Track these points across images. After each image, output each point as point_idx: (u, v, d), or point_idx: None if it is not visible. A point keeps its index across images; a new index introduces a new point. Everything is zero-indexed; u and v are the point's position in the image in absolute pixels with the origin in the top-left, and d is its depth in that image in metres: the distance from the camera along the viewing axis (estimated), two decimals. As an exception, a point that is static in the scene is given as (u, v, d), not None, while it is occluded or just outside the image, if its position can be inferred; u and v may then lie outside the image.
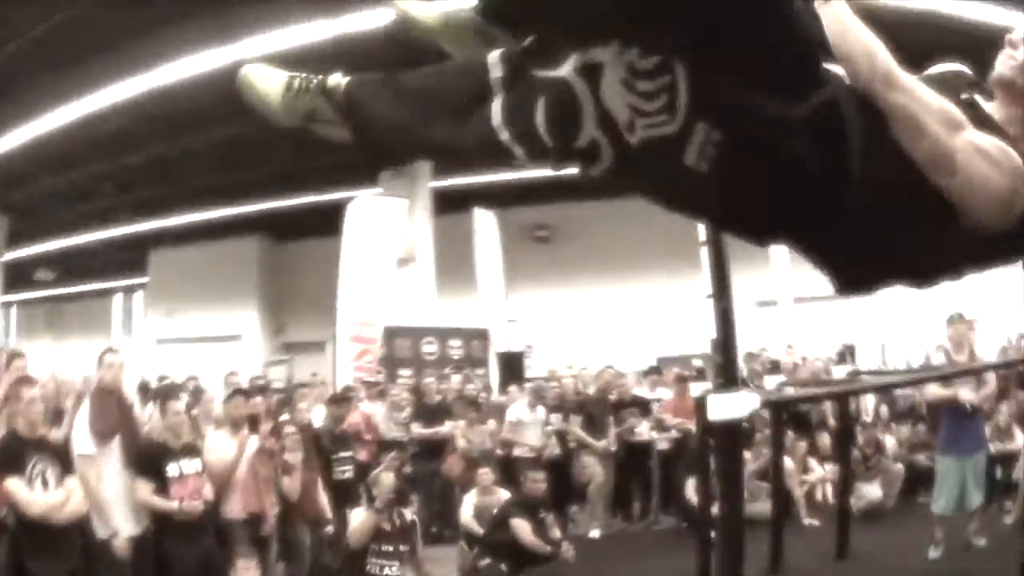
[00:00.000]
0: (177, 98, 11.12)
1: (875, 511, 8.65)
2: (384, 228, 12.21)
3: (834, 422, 9.48)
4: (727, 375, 3.82)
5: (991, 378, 7.18)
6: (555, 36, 1.64)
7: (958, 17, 8.20)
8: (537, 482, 7.37)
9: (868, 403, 10.07)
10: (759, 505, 8.34)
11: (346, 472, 7.52)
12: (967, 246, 1.62)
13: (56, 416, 6.77)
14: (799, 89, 1.45)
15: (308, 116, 1.88)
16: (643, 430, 9.57)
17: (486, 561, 6.96)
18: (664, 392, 10.44)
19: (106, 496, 5.33)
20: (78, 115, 11.76)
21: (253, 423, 6.35)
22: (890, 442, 9.50)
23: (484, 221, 13.39)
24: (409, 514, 6.74)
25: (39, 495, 4.76)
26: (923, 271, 1.75)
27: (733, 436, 3.89)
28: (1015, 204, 1.54)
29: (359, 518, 6.32)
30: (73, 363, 14.03)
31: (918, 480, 9.26)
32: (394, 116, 1.80)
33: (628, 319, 16.28)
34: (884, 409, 10.18)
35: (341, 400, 8.40)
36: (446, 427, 9.31)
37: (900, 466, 9.29)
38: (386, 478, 6.58)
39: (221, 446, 6.10)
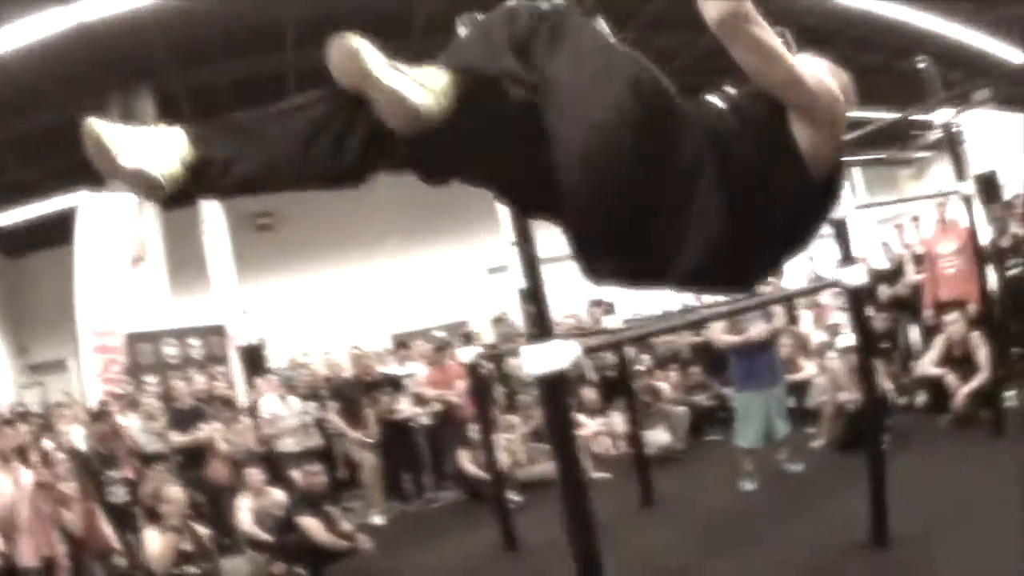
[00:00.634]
0: None
1: (667, 456, 8.72)
2: (115, 228, 11.32)
3: (596, 376, 10.05)
4: (541, 325, 3.79)
5: (778, 311, 7.43)
6: None
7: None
8: (315, 475, 7.17)
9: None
10: (539, 467, 8.66)
11: (119, 493, 7.01)
12: (813, 204, 2.02)
13: None
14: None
15: None
16: (404, 407, 9.40)
17: (281, 567, 6.65)
18: (415, 367, 10.25)
19: None
20: None
21: (22, 455, 5.79)
22: (664, 388, 9.76)
23: (211, 213, 12.76)
24: (203, 529, 6.46)
25: None
26: (798, 241, 2.09)
27: (558, 388, 3.82)
28: (839, 134, 1.96)
29: (155, 541, 5.89)
30: None
31: (702, 420, 9.70)
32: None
33: (361, 299, 16.26)
34: (646, 358, 10.60)
35: (100, 416, 7.77)
36: (204, 431, 8.84)
37: (683, 408, 9.52)
38: (175, 492, 6.24)
39: (-5, 485, 5.43)
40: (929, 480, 6.06)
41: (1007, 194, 10.80)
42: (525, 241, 3.83)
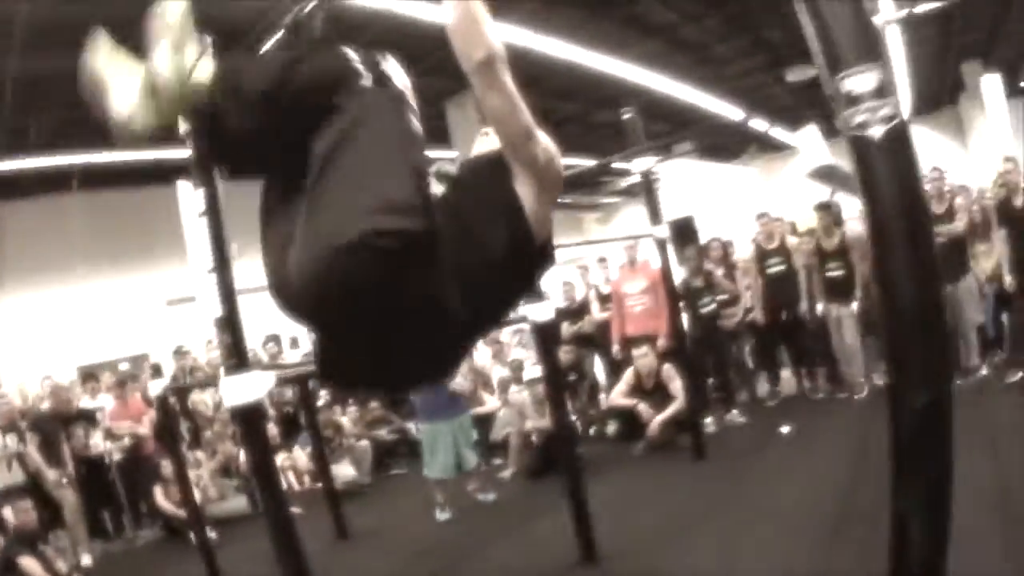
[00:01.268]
0: None
1: (354, 489, 8.76)
2: None
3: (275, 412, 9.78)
4: (238, 356, 3.64)
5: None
6: None
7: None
8: (27, 511, 6.76)
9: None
10: (231, 503, 8.58)
11: None
12: (532, 268, 2.02)
13: None
14: None
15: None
16: (97, 442, 8.75)
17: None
18: (105, 400, 9.61)
19: None
20: None
21: None
22: (345, 422, 9.84)
23: None
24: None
25: None
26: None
27: (256, 419, 3.77)
28: (556, 196, 1.98)
29: None
30: None
31: (385, 454, 9.82)
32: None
33: (49, 327, 14.52)
34: (323, 393, 10.36)
35: None
36: None
37: (365, 443, 9.61)
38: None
39: None
40: (633, 500, 6.41)
41: (705, 237, 11.65)
42: (223, 269, 3.59)
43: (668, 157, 12.90)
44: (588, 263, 11.04)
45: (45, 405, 9.15)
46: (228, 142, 1.84)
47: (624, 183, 18.89)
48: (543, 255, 1.97)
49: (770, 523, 5.07)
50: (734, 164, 20.88)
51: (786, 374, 9.43)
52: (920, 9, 10.26)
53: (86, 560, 7.85)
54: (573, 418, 8.23)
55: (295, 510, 8.09)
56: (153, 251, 13.52)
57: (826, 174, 8.74)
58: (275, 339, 10.55)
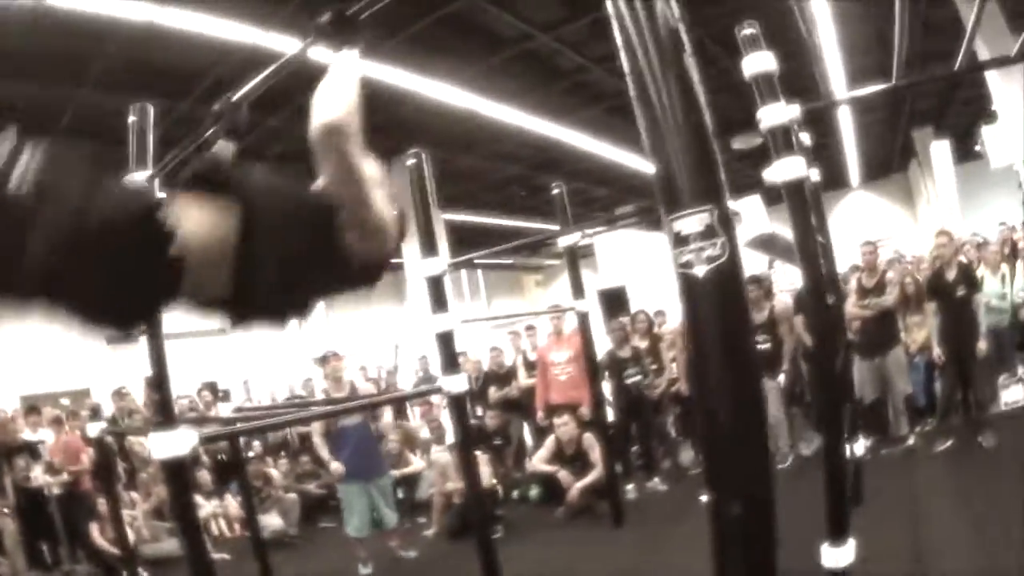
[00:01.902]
0: None
1: (282, 539, 8.85)
2: None
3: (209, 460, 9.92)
4: (166, 413, 3.86)
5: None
6: None
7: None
8: None
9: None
10: (164, 544, 8.62)
11: None
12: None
13: None
14: None
15: None
16: (38, 475, 8.91)
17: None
18: (46, 433, 9.70)
19: None
20: None
21: None
22: (275, 474, 10.01)
23: None
24: None
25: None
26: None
27: (181, 474, 3.96)
28: (392, 247, 2.01)
29: None
30: None
31: (314, 507, 9.97)
32: None
33: None
34: (256, 444, 10.64)
35: None
36: None
37: (293, 495, 9.77)
38: None
39: None
40: (551, 565, 6.59)
41: (640, 305, 11.94)
42: (153, 328, 3.77)
43: (602, 230, 13.14)
44: (519, 329, 11.26)
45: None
46: None
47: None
48: (370, 275, 1.99)
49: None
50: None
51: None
52: (865, 92, 10.66)
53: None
54: (494, 482, 8.46)
55: (224, 556, 8.22)
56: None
57: (766, 243, 8.71)
58: (211, 386, 10.69)
